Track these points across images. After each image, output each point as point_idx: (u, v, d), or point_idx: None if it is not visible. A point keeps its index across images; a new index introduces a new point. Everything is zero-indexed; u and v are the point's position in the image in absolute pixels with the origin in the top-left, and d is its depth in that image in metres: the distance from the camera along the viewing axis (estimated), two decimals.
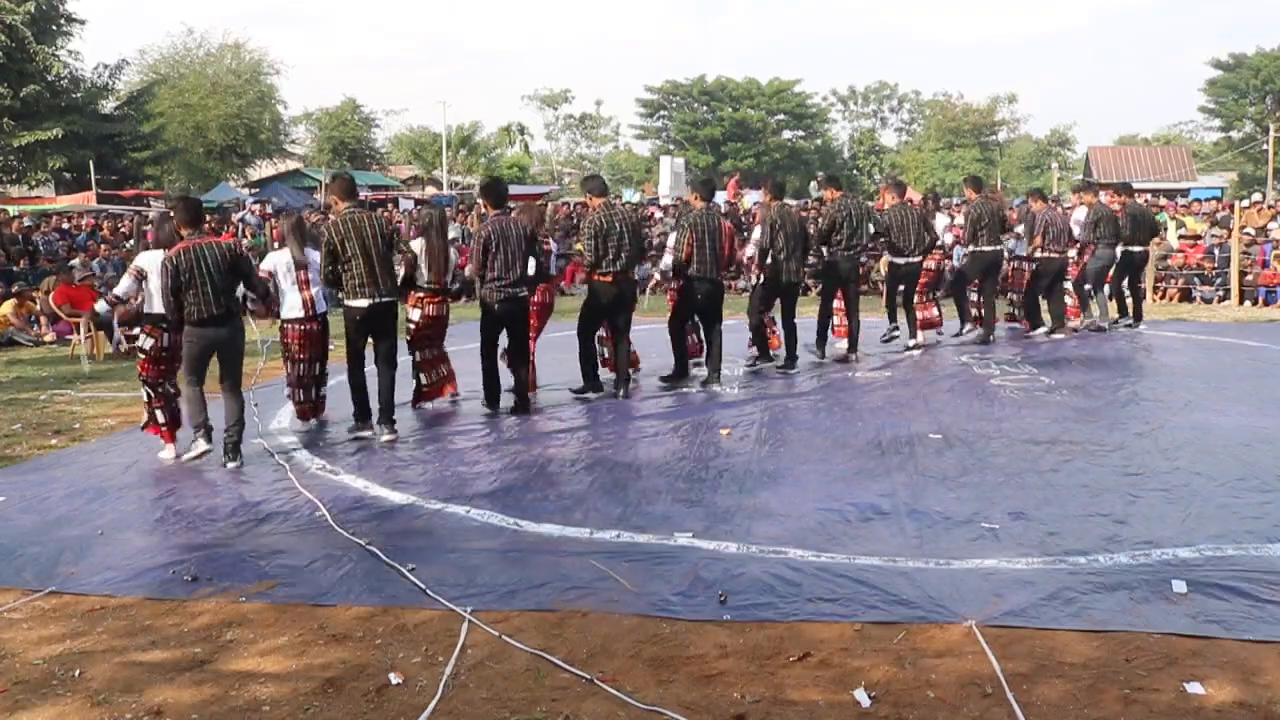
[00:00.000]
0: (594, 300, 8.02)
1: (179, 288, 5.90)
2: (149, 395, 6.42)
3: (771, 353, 9.55)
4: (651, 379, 8.75)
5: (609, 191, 8.19)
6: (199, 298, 5.92)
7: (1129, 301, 11.99)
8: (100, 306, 7.12)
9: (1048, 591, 3.99)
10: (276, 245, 7.52)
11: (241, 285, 6.32)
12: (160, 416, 6.44)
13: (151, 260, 6.19)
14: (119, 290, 6.39)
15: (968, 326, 11.23)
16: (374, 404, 6.88)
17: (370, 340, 6.87)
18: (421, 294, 7.50)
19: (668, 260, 8.45)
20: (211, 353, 6.13)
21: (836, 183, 10.04)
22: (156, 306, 6.22)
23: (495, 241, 7.11)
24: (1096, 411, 7.36)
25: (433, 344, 7.71)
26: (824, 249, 9.59)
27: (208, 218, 6.49)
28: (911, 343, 10.31)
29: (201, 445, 6.14)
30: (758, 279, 9.38)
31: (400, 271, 7.14)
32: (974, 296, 11.20)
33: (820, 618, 3.81)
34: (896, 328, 10.42)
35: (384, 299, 6.71)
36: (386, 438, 6.74)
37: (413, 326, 7.57)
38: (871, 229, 9.72)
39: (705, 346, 8.73)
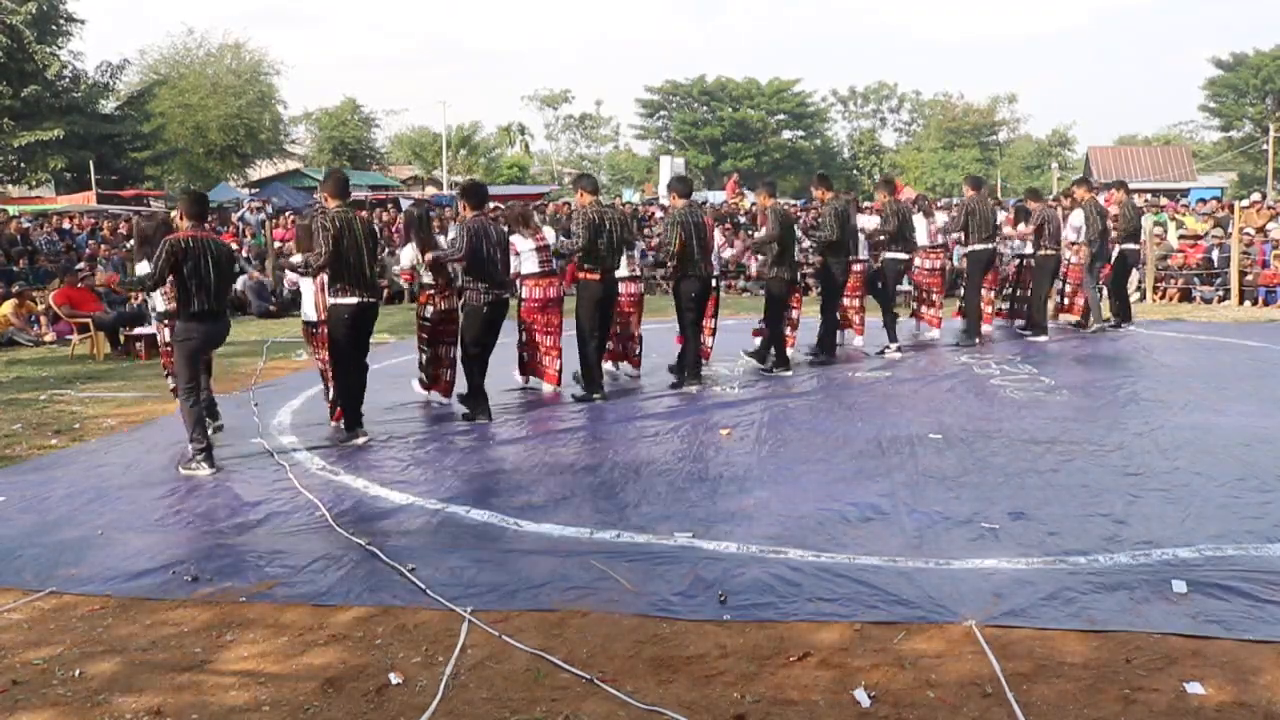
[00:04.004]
0: (585, 301, 8.01)
1: (178, 267, 5.83)
2: (171, 384, 6.67)
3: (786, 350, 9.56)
4: (649, 379, 8.75)
5: (599, 190, 8.22)
6: (201, 290, 5.91)
7: (1122, 301, 12.02)
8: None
9: (1048, 591, 3.99)
10: (278, 245, 7.61)
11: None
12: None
13: (144, 269, 6.42)
14: (160, 309, 6.56)
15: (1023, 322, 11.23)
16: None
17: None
18: (431, 290, 7.64)
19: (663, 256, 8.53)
20: (205, 351, 6.14)
21: (828, 182, 9.86)
22: (159, 306, 6.45)
23: (481, 240, 7.17)
24: (1096, 411, 7.36)
25: (451, 341, 7.81)
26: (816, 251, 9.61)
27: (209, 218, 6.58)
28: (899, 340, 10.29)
29: (204, 470, 5.98)
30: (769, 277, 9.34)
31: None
32: (989, 294, 11.27)
33: (820, 618, 3.80)
34: (894, 347, 10.08)
35: (370, 299, 6.75)
36: (360, 440, 6.67)
37: (428, 324, 7.72)
38: (866, 228, 9.74)
39: (682, 345, 8.69)
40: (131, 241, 16.13)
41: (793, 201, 25.70)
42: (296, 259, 7.00)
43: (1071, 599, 3.92)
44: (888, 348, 9.99)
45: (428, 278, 7.63)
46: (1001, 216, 11.66)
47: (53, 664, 3.58)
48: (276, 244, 16.79)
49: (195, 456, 6.02)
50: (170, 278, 5.92)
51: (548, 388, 8.26)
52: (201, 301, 5.93)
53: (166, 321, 6.49)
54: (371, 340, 6.98)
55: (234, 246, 7.36)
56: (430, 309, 7.70)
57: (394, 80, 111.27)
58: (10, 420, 7.78)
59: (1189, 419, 7.01)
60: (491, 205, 7.71)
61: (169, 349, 6.56)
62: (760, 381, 8.74)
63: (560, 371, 8.27)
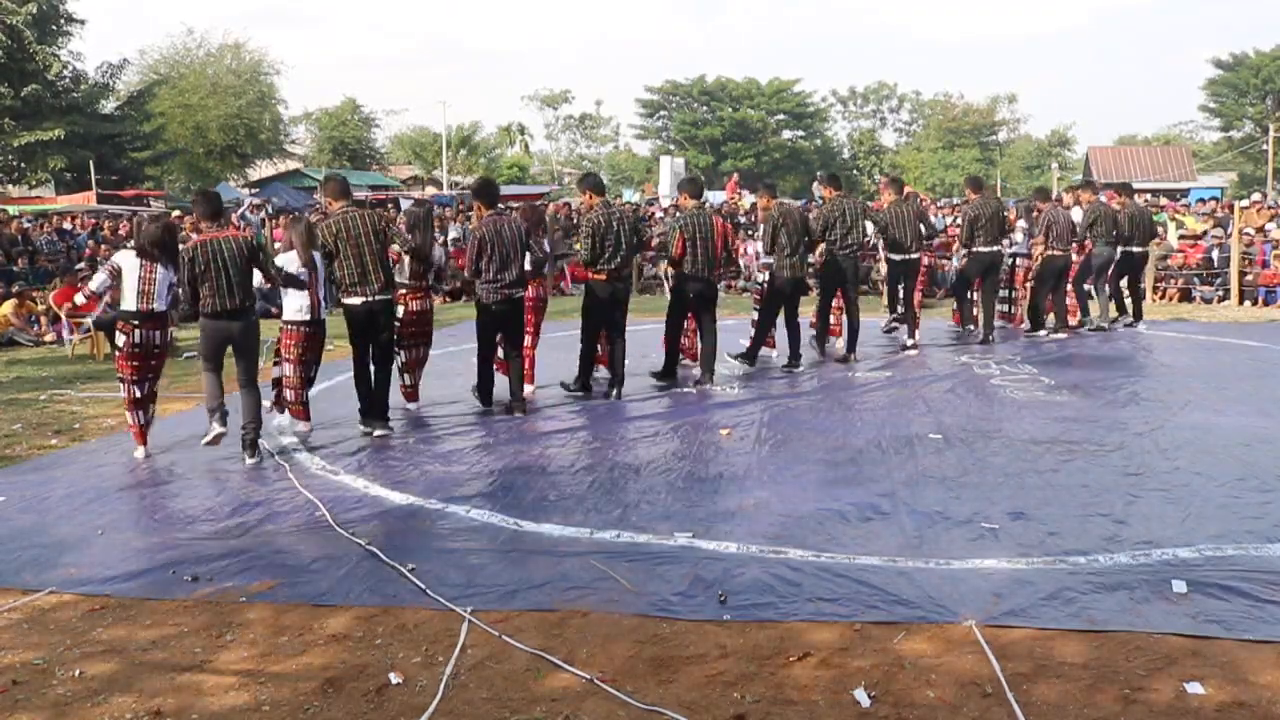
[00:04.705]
0: (591, 299, 8.07)
1: (194, 279, 6.05)
2: (124, 394, 6.47)
3: (772, 352, 9.63)
4: (645, 378, 8.75)
5: (606, 190, 8.25)
6: (214, 290, 6.05)
7: (1128, 301, 12.01)
8: (78, 299, 8.36)
9: (1048, 591, 3.99)
10: (278, 245, 7.57)
11: (259, 276, 6.41)
12: (130, 418, 6.48)
13: (127, 259, 6.27)
14: (93, 285, 6.48)
15: (970, 327, 11.29)
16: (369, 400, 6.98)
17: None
18: (404, 291, 7.51)
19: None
20: (226, 345, 6.26)
21: (836, 182, 9.99)
22: (128, 304, 6.21)
23: (490, 242, 7.20)
24: (1096, 411, 7.36)
25: (417, 342, 7.74)
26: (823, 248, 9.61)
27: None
28: (909, 342, 10.31)
29: (216, 429, 6.19)
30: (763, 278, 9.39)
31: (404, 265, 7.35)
32: (975, 296, 11.25)
33: (820, 618, 3.81)
34: (898, 318, 10.41)
35: (378, 297, 6.77)
36: (379, 433, 6.85)
37: (397, 324, 7.55)
38: (869, 228, 9.73)
39: (699, 345, 8.72)
40: (131, 242, 16.13)
41: (793, 202, 25.67)
42: (289, 258, 6.91)
43: (1071, 599, 3.92)
44: (893, 329, 10.30)
45: (403, 277, 7.50)
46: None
47: (53, 664, 3.58)
48: (276, 244, 16.80)
49: (211, 419, 6.21)
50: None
51: (528, 388, 8.22)
52: (216, 302, 6.07)
53: (135, 324, 6.33)
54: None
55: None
56: (401, 309, 7.48)
57: (394, 80, 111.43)
58: (10, 420, 7.78)
59: (1189, 419, 7.01)
60: None
61: (121, 352, 6.37)
62: (760, 381, 8.74)
63: (534, 371, 8.29)
